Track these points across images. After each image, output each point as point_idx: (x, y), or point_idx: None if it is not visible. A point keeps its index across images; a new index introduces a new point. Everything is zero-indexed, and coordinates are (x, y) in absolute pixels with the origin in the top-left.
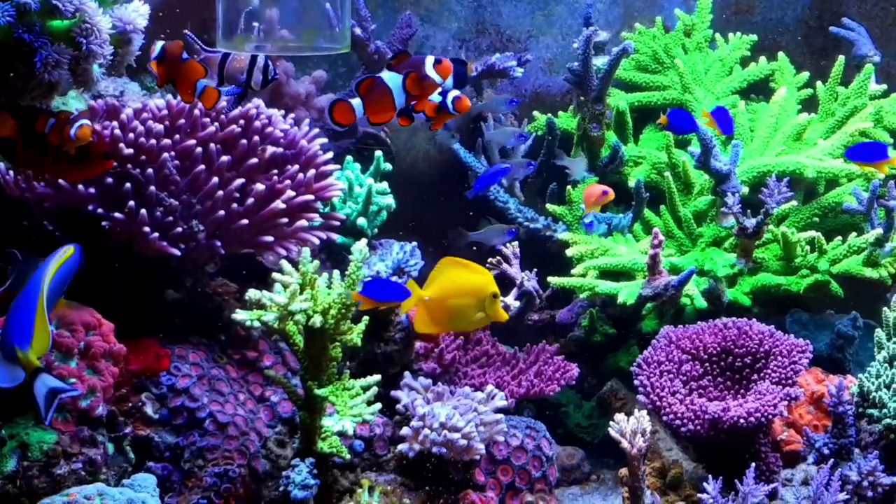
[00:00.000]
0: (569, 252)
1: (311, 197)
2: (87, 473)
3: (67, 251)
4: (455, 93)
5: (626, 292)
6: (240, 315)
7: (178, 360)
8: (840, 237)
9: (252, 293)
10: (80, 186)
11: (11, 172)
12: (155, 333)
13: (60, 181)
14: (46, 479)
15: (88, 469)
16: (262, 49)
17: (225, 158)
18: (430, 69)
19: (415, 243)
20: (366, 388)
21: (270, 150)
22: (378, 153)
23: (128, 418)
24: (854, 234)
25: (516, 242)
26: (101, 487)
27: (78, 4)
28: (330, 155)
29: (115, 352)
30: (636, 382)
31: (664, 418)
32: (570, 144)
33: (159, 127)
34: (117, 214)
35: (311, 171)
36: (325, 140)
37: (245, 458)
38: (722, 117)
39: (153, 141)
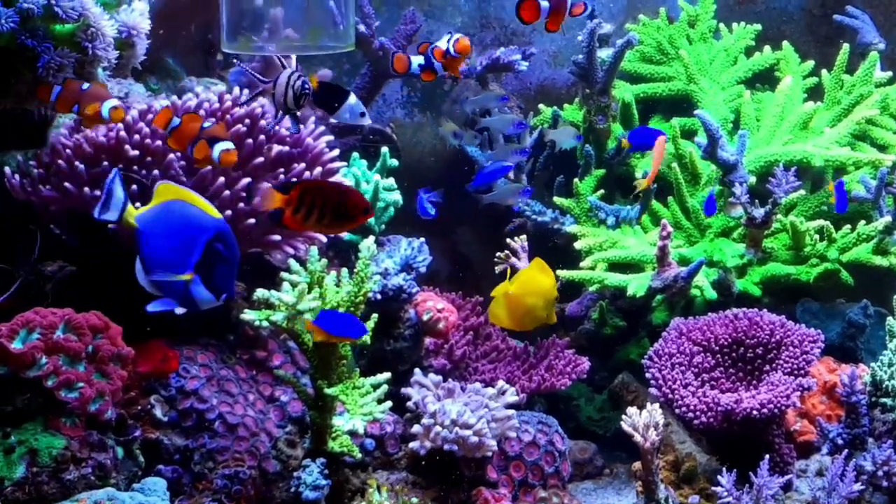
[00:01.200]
0: (577, 245)
1: None
2: (96, 478)
3: None
4: (457, 35)
5: (636, 284)
6: (248, 315)
7: (187, 361)
8: (849, 225)
9: (260, 293)
10: (86, 189)
11: (17, 176)
12: (163, 335)
13: (66, 184)
14: (56, 484)
15: (98, 474)
16: (266, 49)
17: None
18: None
19: (422, 239)
20: (376, 387)
21: (276, 148)
22: (384, 149)
23: (137, 421)
24: (863, 222)
25: (524, 237)
26: (110, 492)
27: (81, 10)
28: (336, 152)
29: (124, 355)
30: (648, 375)
31: (677, 411)
32: None
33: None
34: None
35: (318, 169)
36: (330, 137)
37: (255, 459)
38: (840, 193)
39: (159, 142)
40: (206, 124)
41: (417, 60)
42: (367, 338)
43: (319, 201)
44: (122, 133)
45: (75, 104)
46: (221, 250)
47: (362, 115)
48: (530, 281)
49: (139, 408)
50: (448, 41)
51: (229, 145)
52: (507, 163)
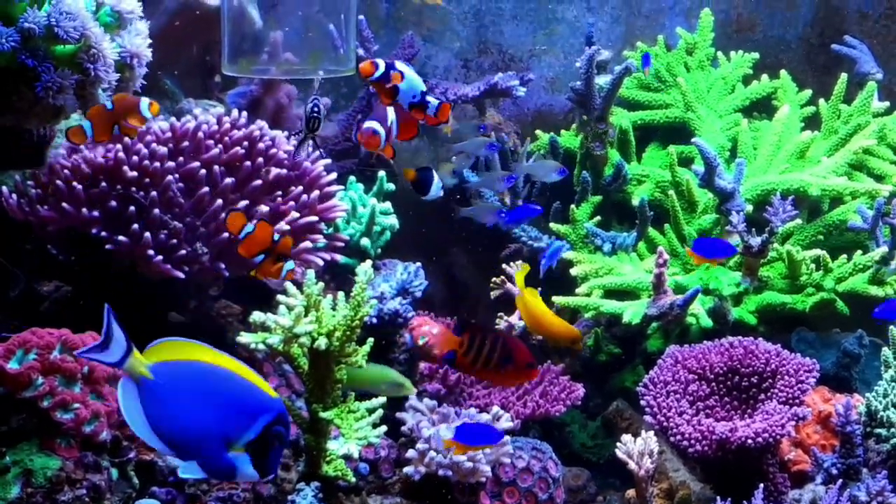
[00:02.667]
0: (573, 271)
1: (314, 218)
2: (91, 499)
3: None
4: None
5: (632, 312)
6: (244, 338)
7: None
8: (845, 255)
9: (256, 315)
10: (84, 209)
11: (14, 196)
12: None
13: (64, 204)
14: None
15: (92, 495)
16: (266, 72)
17: (229, 180)
18: None
19: (419, 263)
20: (371, 411)
21: (274, 171)
22: (381, 173)
23: (132, 443)
24: (859, 252)
25: (520, 262)
26: None
27: (82, 30)
28: (333, 176)
29: (119, 375)
30: (643, 403)
31: (671, 439)
32: (574, 163)
33: (163, 149)
34: (121, 237)
35: (315, 193)
36: (328, 161)
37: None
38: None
39: (157, 164)
40: (276, 236)
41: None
42: (362, 362)
43: (487, 347)
44: (121, 154)
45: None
46: (282, 433)
47: (442, 188)
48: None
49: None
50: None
51: (293, 265)
52: (537, 207)
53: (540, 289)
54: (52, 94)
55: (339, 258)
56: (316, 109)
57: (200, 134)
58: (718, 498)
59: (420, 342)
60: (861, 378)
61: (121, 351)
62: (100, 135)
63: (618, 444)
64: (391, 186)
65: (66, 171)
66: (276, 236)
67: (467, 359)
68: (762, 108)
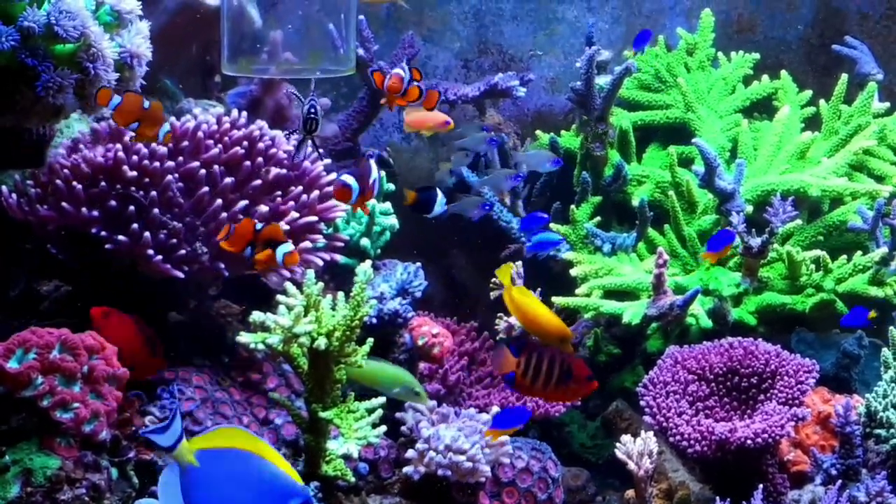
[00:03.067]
0: (573, 272)
1: (314, 218)
2: (90, 499)
3: None
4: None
5: (631, 312)
6: (244, 338)
7: (182, 382)
8: (845, 256)
9: (256, 315)
10: (84, 209)
11: (14, 195)
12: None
13: (63, 203)
14: None
15: (92, 494)
16: (266, 72)
17: (229, 180)
18: None
19: (418, 264)
20: (370, 411)
21: (274, 171)
22: (381, 174)
23: (131, 442)
24: (859, 252)
25: (520, 262)
26: None
27: (82, 29)
28: (333, 176)
29: (119, 375)
30: (642, 403)
31: (671, 439)
32: (574, 163)
33: (163, 149)
34: (121, 237)
35: (315, 193)
36: (328, 161)
37: None
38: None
39: (157, 163)
40: (259, 225)
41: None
42: (362, 362)
43: (546, 365)
44: (121, 154)
45: (136, 120)
46: None
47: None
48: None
49: (134, 428)
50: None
51: (290, 247)
52: (544, 215)
53: (539, 289)
54: (52, 94)
55: (339, 258)
56: (313, 111)
57: (200, 134)
58: (717, 498)
59: (420, 342)
60: (861, 379)
61: (175, 437)
62: (120, 116)
63: (617, 444)
64: (391, 187)
65: (65, 170)
66: (259, 225)
67: (527, 379)
68: (762, 108)
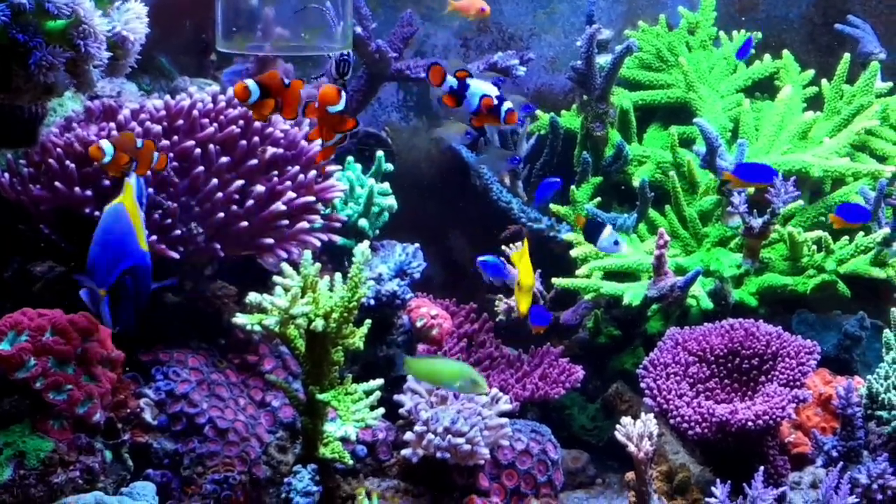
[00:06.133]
0: (573, 253)
1: (311, 198)
2: (84, 482)
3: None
4: (508, 104)
5: (632, 293)
6: (240, 319)
7: (178, 364)
8: (847, 237)
9: (252, 297)
10: (77, 189)
11: (7, 174)
12: (153, 338)
13: (56, 183)
14: (43, 487)
15: (86, 477)
16: (261, 49)
17: (224, 160)
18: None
19: (417, 245)
20: (368, 393)
21: (270, 150)
22: (379, 153)
23: (126, 425)
24: (861, 233)
25: (520, 244)
26: (98, 496)
27: (73, 6)
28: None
29: (113, 358)
30: (642, 385)
31: (671, 421)
32: (574, 143)
33: (157, 128)
34: None
35: (312, 173)
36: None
37: (245, 464)
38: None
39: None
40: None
41: (452, 82)
42: (360, 344)
43: None
44: (115, 133)
45: (130, 160)
46: (127, 285)
47: (616, 243)
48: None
49: (128, 411)
50: (500, 98)
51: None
52: (555, 179)
53: (540, 271)
54: (44, 71)
55: (337, 239)
56: (346, 54)
57: (195, 112)
58: (718, 480)
59: (418, 324)
60: (862, 360)
61: None
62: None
63: (617, 426)
64: (390, 167)
65: (58, 149)
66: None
67: None
68: (764, 88)
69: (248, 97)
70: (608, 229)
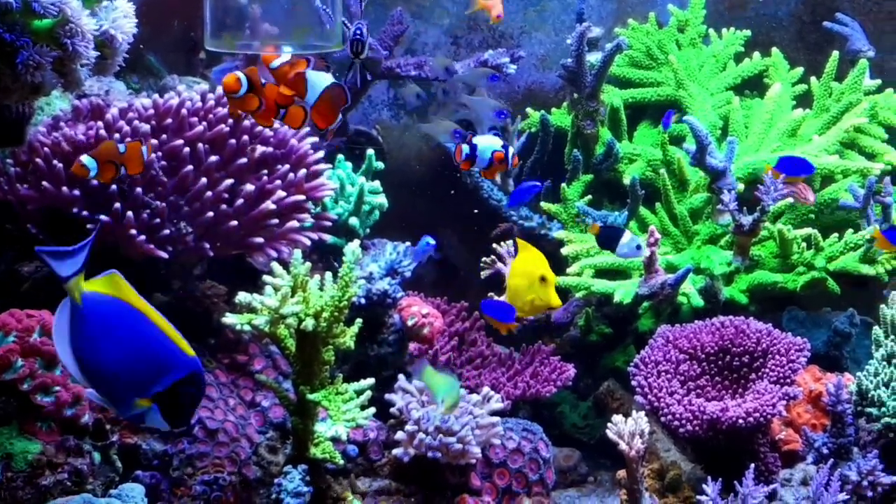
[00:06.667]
0: (564, 251)
1: (301, 197)
2: (72, 484)
3: None
4: (512, 150)
5: (623, 291)
6: (230, 319)
7: None
8: (836, 234)
9: (242, 296)
10: (65, 188)
11: None
12: None
13: (44, 183)
14: (31, 490)
15: (74, 479)
16: (249, 48)
17: (213, 158)
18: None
19: (408, 243)
20: (359, 392)
21: (260, 149)
22: (370, 151)
23: (114, 426)
24: (850, 230)
25: (511, 241)
26: (87, 498)
27: (60, 5)
28: (321, 154)
29: None
30: (633, 383)
31: (662, 419)
32: (564, 141)
33: (146, 127)
34: (103, 217)
35: (302, 171)
36: (315, 139)
37: (235, 465)
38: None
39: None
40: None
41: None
42: (351, 343)
43: None
44: (102, 132)
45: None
46: (192, 393)
47: (638, 247)
48: (516, 263)
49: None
50: (506, 148)
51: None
52: (535, 183)
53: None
54: (31, 70)
55: (327, 238)
56: (359, 32)
57: (184, 111)
58: (709, 478)
59: (409, 323)
60: (852, 357)
61: (73, 269)
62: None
63: (608, 424)
64: (380, 165)
65: (46, 148)
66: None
67: None
68: (754, 85)
69: (238, 90)
70: (627, 234)
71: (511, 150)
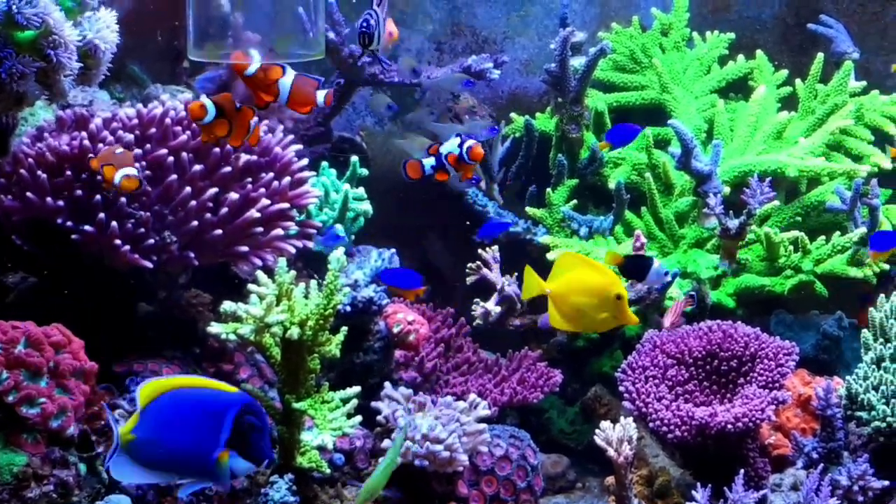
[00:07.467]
0: (549, 256)
1: (286, 205)
2: (58, 496)
3: None
4: (469, 142)
5: None
6: (215, 328)
7: (152, 374)
8: (823, 236)
9: (227, 305)
10: (49, 198)
11: None
12: (129, 348)
13: (28, 193)
14: (17, 502)
15: (60, 491)
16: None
17: (197, 167)
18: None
19: (393, 250)
20: (345, 401)
21: (244, 157)
22: (354, 158)
23: (100, 437)
24: (838, 233)
25: (496, 247)
26: None
27: (44, 16)
28: (305, 161)
29: (86, 370)
30: (621, 389)
31: (650, 425)
32: (549, 146)
33: (129, 136)
34: (87, 227)
35: (287, 179)
36: (299, 146)
37: None
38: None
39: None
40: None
41: (429, 162)
42: (336, 351)
43: None
44: (86, 142)
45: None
46: (253, 422)
47: (666, 273)
48: (576, 280)
49: (103, 423)
50: (461, 146)
51: (131, 171)
52: (507, 220)
53: (517, 274)
54: (15, 80)
55: (312, 245)
56: (364, 24)
57: (168, 120)
58: (699, 484)
59: (395, 330)
60: (841, 360)
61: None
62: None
63: (596, 430)
64: (364, 171)
65: (29, 159)
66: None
67: None
68: (738, 88)
69: (203, 117)
70: (656, 263)
71: (469, 143)
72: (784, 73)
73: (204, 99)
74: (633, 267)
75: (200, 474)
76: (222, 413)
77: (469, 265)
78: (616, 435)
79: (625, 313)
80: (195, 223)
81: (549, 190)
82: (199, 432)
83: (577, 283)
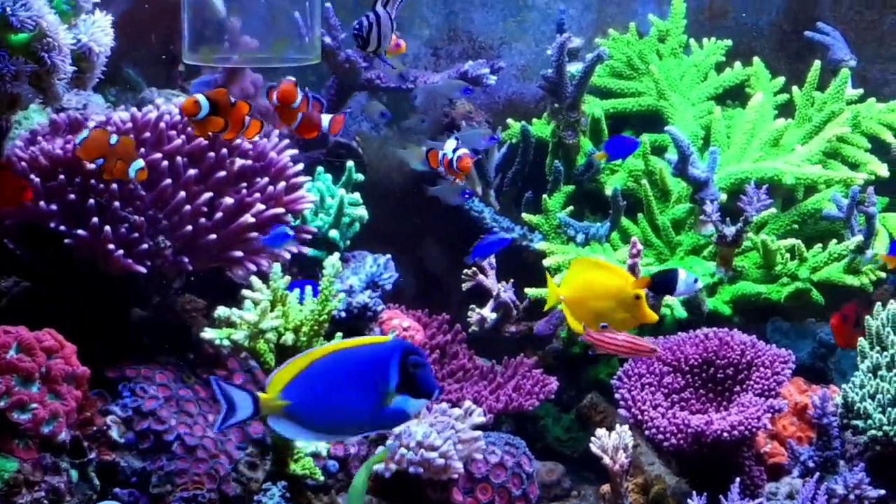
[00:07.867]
0: (546, 262)
1: (281, 210)
2: (50, 502)
3: None
4: (460, 151)
5: None
6: (209, 334)
7: (145, 380)
8: (820, 244)
9: (221, 311)
10: (42, 203)
11: None
12: (122, 354)
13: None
14: None
15: (52, 498)
16: (228, 61)
17: (192, 172)
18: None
19: (388, 256)
20: None
21: (239, 162)
22: (349, 163)
23: (92, 443)
24: (834, 240)
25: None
26: None
27: (37, 18)
28: (300, 166)
29: (78, 375)
30: (617, 396)
31: (646, 433)
32: (545, 152)
33: None
34: (80, 232)
35: (282, 184)
36: (294, 151)
37: (215, 481)
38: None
39: None
40: (114, 139)
41: (451, 146)
42: None
43: None
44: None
45: (101, 157)
46: (418, 361)
47: (695, 281)
48: (590, 284)
49: (95, 429)
50: (455, 150)
51: (140, 164)
52: (505, 236)
53: (512, 280)
54: (8, 81)
55: (307, 250)
56: (357, 27)
57: (162, 124)
58: (694, 492)
59: (390, 336)
60: (837, 369)
61: (249, 404)
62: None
63: (592, 438)
64: (360, 177)
65: (23, 163)
66: (114, 139)
67: None
68: (735, 95)
69: (198, 113)
70: (682, 273)
71: (461, 152)
72: (781, 80)
73: (198, 96)
74: (662, 282)
75: (371, 425)
76: (386, 363)
77: (465, 271)
78: (612, 443)
79: (644, 312)
80: (189, 228)
81: (545, 196)
82: (367, 392)
83: (592, 288)
